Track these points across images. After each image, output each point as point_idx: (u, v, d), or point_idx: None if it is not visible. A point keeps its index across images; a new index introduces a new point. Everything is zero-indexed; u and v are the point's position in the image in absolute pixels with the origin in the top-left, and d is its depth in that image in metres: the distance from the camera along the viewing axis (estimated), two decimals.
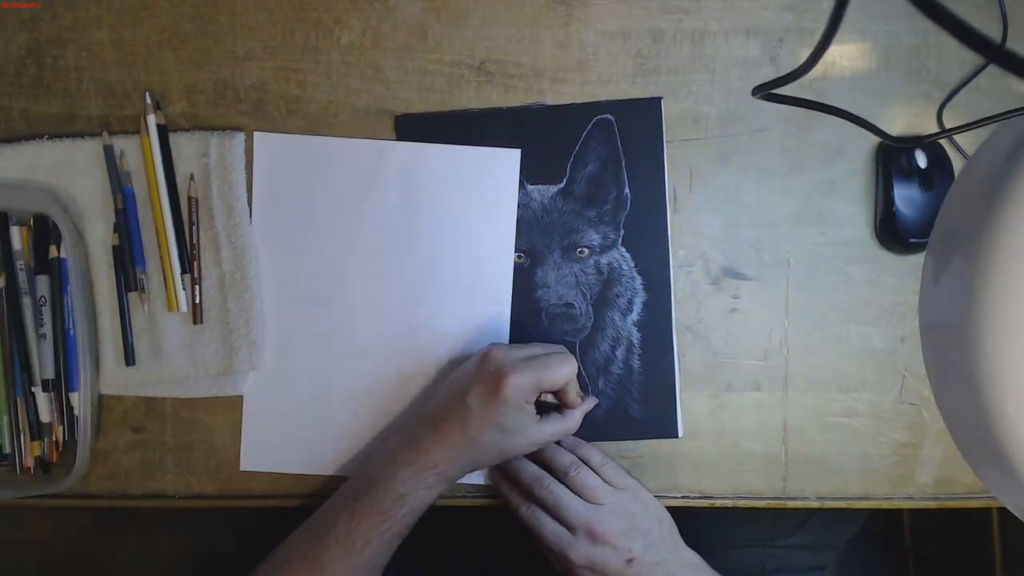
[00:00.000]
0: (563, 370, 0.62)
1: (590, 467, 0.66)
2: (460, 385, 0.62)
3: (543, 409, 0.65)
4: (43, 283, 0.67)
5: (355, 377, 0.69)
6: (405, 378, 0.69)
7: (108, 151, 0.67)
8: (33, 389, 0.67)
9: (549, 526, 0.63)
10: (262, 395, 0.69)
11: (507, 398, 0.60)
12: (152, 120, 0.67)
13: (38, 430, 0.67)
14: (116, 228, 0.68)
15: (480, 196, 0.68)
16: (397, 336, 0.69)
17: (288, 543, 0.63)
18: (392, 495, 0.60)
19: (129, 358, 0.68)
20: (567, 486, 0.64)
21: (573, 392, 0.64)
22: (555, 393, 0.65)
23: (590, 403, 0.67)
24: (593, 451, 0.67)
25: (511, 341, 0.69)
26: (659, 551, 0.63)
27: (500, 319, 0.69)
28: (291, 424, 0.69)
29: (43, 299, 0.67)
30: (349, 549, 0.60)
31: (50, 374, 0.67)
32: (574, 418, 0.65)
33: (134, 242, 0.68)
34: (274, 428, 0.69)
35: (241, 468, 0.69)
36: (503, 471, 0.67)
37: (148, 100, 0.67)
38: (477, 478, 0.69)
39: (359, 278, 0.69)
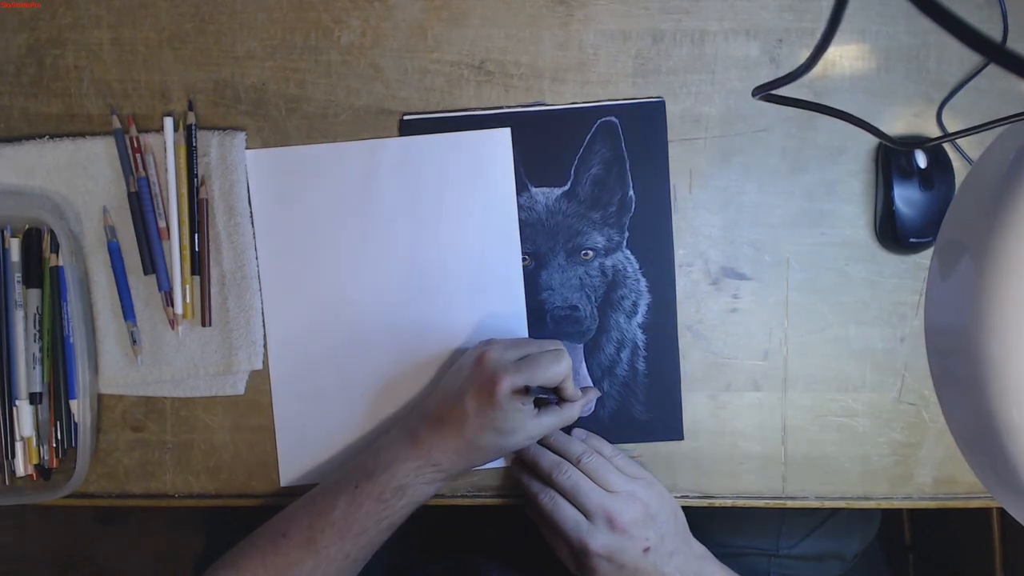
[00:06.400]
0: (556, 369, 0.62)
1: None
2: (457, 385, 0.63)
3: (542, 402, 0.65)
4: (35, 294, 0.67)
5: (373, 376, 0.69)
6: (421, 369, 0.69)
7: (118, 134, 0.67)
8: (17, 403, 0.67)
9: (568, 512, 0.63)
10: (289, 407, 0.69)
11: (501, 402, 0.60)
12: (169, 123, 0.67)
13: (12, 443, 0.67)
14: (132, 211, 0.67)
15: (477, 181, 0.68)
16: (410, 330, 0.69)
17: (285, 517, 0.63)
18: (393, 485, 0.61)
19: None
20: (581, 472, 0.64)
21: (571, 387, 0.65)
22: (553, 389, 0.65)
23: (592, 394, 0.68)
24: (603, 443, 0.68)
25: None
26: (673, 542, 0.63)
27: (514, 307, 0.68)
28: (320, 433, 0.69)
29: (37, 309, 0.67)
30: (344, 533, 0.61)
31: (38, 387, 0.67)
32: (573, 409, 0.65)
33: (148, 223, 0.67)
34: (306, 439, 0.70)
35: (281, 484, 0.70)
36: (521, 458, 0.67)
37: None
38: (497, 462, 0.69)
39: (367, 276, 0.68)
